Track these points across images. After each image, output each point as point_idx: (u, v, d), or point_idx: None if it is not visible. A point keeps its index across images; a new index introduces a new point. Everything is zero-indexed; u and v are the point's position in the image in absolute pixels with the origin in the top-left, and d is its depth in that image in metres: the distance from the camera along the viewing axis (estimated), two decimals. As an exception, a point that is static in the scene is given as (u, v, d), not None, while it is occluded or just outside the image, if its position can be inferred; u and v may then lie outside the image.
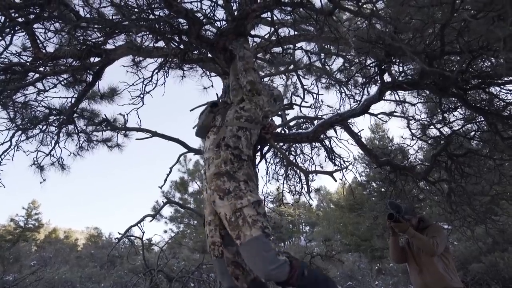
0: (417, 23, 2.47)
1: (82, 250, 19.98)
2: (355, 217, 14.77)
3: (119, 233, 5.00)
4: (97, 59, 3.07)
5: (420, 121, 4.35)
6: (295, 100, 5.06)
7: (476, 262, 8.42)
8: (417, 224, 2.82)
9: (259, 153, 3.30)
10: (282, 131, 4.49)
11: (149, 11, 2.52)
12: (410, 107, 4.38)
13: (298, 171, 4.90)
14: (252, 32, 3.55)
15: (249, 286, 1.74)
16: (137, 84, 3.94)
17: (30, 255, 15.32)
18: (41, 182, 4.03)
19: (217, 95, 3.44)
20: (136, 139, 4.28)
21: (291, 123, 4.89)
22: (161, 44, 3.01)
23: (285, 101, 4.68)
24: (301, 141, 4.00)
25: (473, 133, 4.05)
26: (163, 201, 6.30)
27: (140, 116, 4.01)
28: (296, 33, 4.10)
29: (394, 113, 4.44)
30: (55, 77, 3.27)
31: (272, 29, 3.70)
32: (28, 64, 2.85)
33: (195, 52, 3.34)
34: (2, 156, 3.58)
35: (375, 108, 4.13)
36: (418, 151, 5.02)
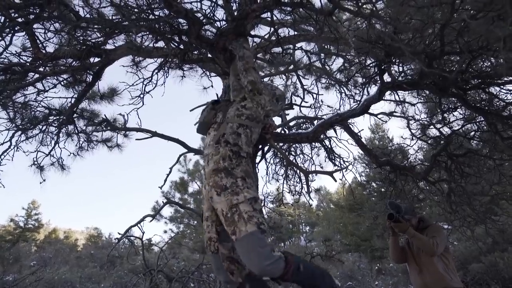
0: (417, 23, 2.47)
1: (82, 250, 19.97)
2: (355, 217, 14.77)
3: (119, 233, 5.01)
4: (97, 59, 3.07)
5: (420, 121, 4.36)
6: (295, 100, 5.07)
7: (476, 262, 8.42)
8: (417, 224, 2.82)
9: (260, 152, 3.30)
10: (282, 131, 4.49)
11: (149, 11, 2.52)
12: (410, 107, 4.39)
13: (298, 171, 4.90)
14: (252, 32, 3.55)
15: (244, 280, 1.75)
16: (137, 84, 3.94)
17: (30, 255, 15.31)
18: (41, 182, 4.03)
19: (217, 95, 3.44)
20: (136, 139, 4.29)
21: (291, 123, 4.89)
22: (161, 44, 3.02)
23: (286, 101, 4.67)
24: (301, 141, 4.00)
25: (473, 133, 4.05)
26: (163, 201, 6.31)
27: (140, 116, 4.02)
28: (296, 33, 4.10)
29: (394, 113, 4.44)
30: (55, 77, 3.27)
31: (272, 29, 3.70)
32: (28, 64, 2.85)
33: (195, 52, 3.34)
34: (2, 156, 3.58)
35: (375, 108, 4.14)
36: (418, 151, 5.02)
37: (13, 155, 3.67)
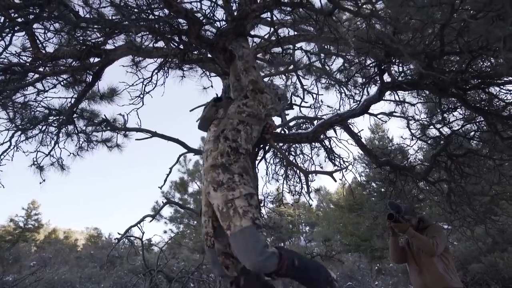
0: (417, 23, 2.47)
1: (81, 251, 19.96)
2: (355, 217, 14.76)
3: (119, 234, 5.01)
4: (96, 60, 3.07)
5: (420, 121, 4.36)
6: (295, 100, 5.07)
7: (476, 262, 8.42)
8: (417, 224, 2.82)
9: (262, 151, 3.29)
10: (282, 131, 4.49)
11: (148, 11, 2.52)
12: (409, 107, 4.40)
13: (298, 171, 4.90)
14: (252, 32, 3.55)
15: (239, 274, 1.75)
16: (136, 84, 3.94)
17: (29, 255, 15.31)
18: (40, 183, 4.03)
19: (216, 95, 3.42)
20: (136, 139, 4.29)
21: (291, 123, 4.89)
22: (160, 44, 3.02)
23: (288, 101, 4.67)
24: (301, 141, 4.00)
25: (472, 133, 4.05)
26: (163, 202, 6.30)
27: (139, 116, 4.02)
28: (295, 33, 4.10)
29: (394, 113, 4.44)
30: (55, 78, 3.27)
31: (272, 29, 3.70)
32: (28, 64, 2.85)
33: (195, 52, 3.34)
34: (2, 157, 3.58)
35: (375, 108, 4.14)
36: (418, 151, 5.03)
37: (13, 155, 3.67)
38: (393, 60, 3.17)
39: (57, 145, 3.95)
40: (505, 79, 2.95)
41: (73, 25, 2.64)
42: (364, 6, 2.76)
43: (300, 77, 5.17)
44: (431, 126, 4.29)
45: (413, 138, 4.41)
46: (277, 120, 4.64)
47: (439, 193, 4.35)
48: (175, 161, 4.74)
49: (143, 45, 3.07)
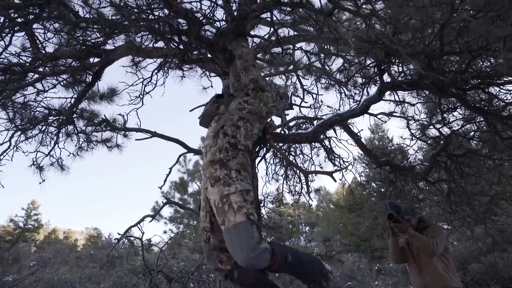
0: (417, 23, 2.47)
1: (81, 251, 19.95)
2: (355, 217, 14.76)
3: (119, 234, 5.00)
4: (96, 60, 3.07)
5: (420, 121, 4.36)
6: (295, 101, 5.07)
7: (476, 262, 8.42)
8: (417, 224, 2.82)
9: (262, 151, 3.29)
10: (282, 132, 4.49)
11: (148, 11, 2.52)
12: (409, 107, 4.40)
13: (297, 171, 4.90)
14: (252, 32, 3.54)
15: (233, 267, 1.76)
16: (136, 84, 3.93)
17: (29, 255, 15.30)
18: (40, 183, 4.03)
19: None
20: (136, 139, 4.29)
21: (291, 124, 4.89)
22: (160, 44, 3.02)
23: (289, 100, 4.67)
24: (300, 141, 4.00)
25: (472, 133, 4.05)
26: (162, 202, 6.30)
27: (139, 117, 4.01)
28: (295, 33, 4.10)
29: (394, 113, 4.44)
30: (55, 78, 3.27)
31: (272, 29, 3.70)
32: (28, 64, 2.85)
33: (195, 52, 3.34)
34: (1, 157, 3.58)
35: (375, 108, 4.14)
36: (418, 151, 5.03)
37: (12, 155, 3.67)
38: (393, 60, 3.17)
39: (57, 145, 3.95)
40: (505, 79, 2.95)
41: (73, 25, 2.64)
42: (364, 6, 2.76)
43: (300, 77, 5.17)
44: (431, 126, 4.30)
45: (413, 138, 4.42)
46: (277, 120, 4.64)
47: (439, 193, 4.35)
48: (175, 161, 4.75)
49: (143, 45, 3.07)
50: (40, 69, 2.94)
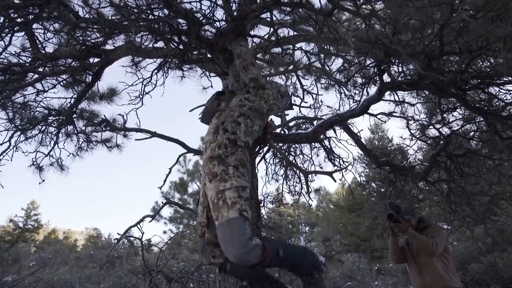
0: (416, 24, 2.47)
1: (81, 251, 19.93)
2: (355, 217, 14.76)
3: (119, 234, 5.00)
4: (96, 60, 3.07)
5: (420, 121, 4.36)
6: (295, 101, 5.08)
7: (476, 262, 8.42)
8: (417, 224, 2.82)
9: (264, 150, 3.28)
10: (282, 132, 4.49)
11: (148, 11, 2.52)
12: (409, 107, 4.40)
13: (297, 171, 4.90)
14: (252, 33, 3.55)
15: (225, 260, 1.77)
16: (136, 84, 3.94)
17: (29, 256, 15.29)
18: (40, 183, 4.03)
19: (216, 95, 3.43)
20: (136, 139, 4.28)
21: (291, 124, 4.90)
22: (160, 44, 3.02)
23: (289, 98, 4.66)
24: (300, 141, 4.01)
25: (472, 133, 4.05)
26: (162, 202, 6.31)
27: (139, 117, 4.02)
28: (295, 33, 4.11)
29: (394, 113, 4.44)
30: (55, 78, 3.27)
31: (272, 29, 3.70)
32: (27, 64, 2.85)
33: (195, 52, 3.34)
34: (1, 157, 3.57)
35: (375, 108, 4.15)
36: (418, 151, 5.03)
37: (12, 156, 3.67)
38: (393, 60, 3.17)
39: (56, 145, 3.95)
40: (505, 79, 2.96)
41: (72, 25, 2.64)
42: (364, 6, 2.76)
43: (300, 77, 5.17)
44: (431, 126, 4.30)
45: (413, 138, 4.42)
46: (277, 120, 4.65)
47: (438, 193, 4.35)
48: (174, 161, 4.74)
49: (143, 45, 3.07)
50: (40, 69, 2.94)
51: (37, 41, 2.74)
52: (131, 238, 5.87)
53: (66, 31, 2.77)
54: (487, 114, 3.26)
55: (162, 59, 3.58)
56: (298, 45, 4.59)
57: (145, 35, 2.93)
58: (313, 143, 4.68)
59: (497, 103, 3.36)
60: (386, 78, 3.35)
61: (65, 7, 2.61)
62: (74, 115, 3.87)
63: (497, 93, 3.31)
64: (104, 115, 4.01)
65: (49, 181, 4.81)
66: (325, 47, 4.60)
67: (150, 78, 3.89)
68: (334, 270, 10.26)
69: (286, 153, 4.76)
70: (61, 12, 2.61)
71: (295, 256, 1.71)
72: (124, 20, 2.51)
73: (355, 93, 4.61)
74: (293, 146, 4.94)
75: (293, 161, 4.83)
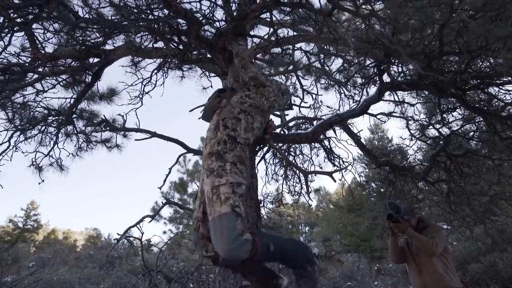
0: (416, 24, 2.47)
1: (81, 251, 19.92)
2: (355, 217, 14.77)
3: (118, 234, 4.99)
4: (96, 60, 3.07)
5: (419, 121, 4.37)
6: (295, 101, 5.08)
7: (475, 262, 8.43)
8: (416, 225, 2.82)
9: (264, 150, 3.28)
10: (282, 132, 4.49)
11: (148, 11, 2.52)
12: (409, 108, 4.41)
13: (297, 171, 4.90)
14: (251, 33, 3.55)
15: (217, 253, 1.76)
16: (136, 84, 3.93)
17: (28, 256, 15.28)
18: (39, 183, 4.03)
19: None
20: (135, 139, 4.28)
21: (291, 124, 4.90)
22: (160, 44, 3.02)
23: (290, 96, 4.65)
24: (300, 141, 4.01)
25: (472, 133, 4.06)
26: (162, 202, 6.30)
27: (139, 117, 4.02)
28: (295, 33, 4.11)
29: (393, 114, 4.45)
30: (54, 78, 3.27)
31: (271, 29, 3.70)
32: (27, 64, 2.84)
33: (194, 52, 3.34)
34: (1, 157, 3.57)
35: (374, 108, 4.16)
36: (417, 151, 5.03)
37: (11, 156, 3.66)
38: (393, 61, 3.17)
39: (56, 145, 3.95)
40: (504, 79, 2.96)
41: (72, 25, 2.64)
42: (363, 6, 2.76)
43: (300, 78, 5.17)
44: (431, 126, 4.30)
45: (413, 138, 4.42)
46: (276, 120, 4.65)
47: (438, 193, 4.36)
48: (174, 161, 4.74)
49: (143, 45, 3.07)
50: (40, 69, 2.94)
51: (37, 41, 2.74)
52: (131, 238, 5.86)
53: (65, 31, 2.77)
54: (487, 114, 3.26)
55: (162, 59, 3.58)
56: (298, 45, 4.59)
57: (145, 35, 2.92)
58: (313, 143, 4.69)
59: (496, 103, 3.36)
60: (386, 78, 3.35)
61: (64, 7, 2.61)
62: (74, 115, 3.87)
63: (496, 93, 3.32)
64: (103, 115, 4.01)
65: (49, 181, 4.81)
66: (325, 47, 4.60)
67: (149, 78, 3.89)
68: (334, 270, 10.25)
69: (286, 153, 4.76)
70: (60, 12, 2.61)
71: (287, 250, 1.71)
72: (124, 20, 2.51)
73: (355, 93, 4.61)
74: (293, 146, 4.94)
75: (293, 161, 4.84)
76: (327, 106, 5.24)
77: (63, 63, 2.96)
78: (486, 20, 1.89)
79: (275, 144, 3.24)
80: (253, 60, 2.47)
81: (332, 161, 4.52)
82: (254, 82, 2.16)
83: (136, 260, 9.23)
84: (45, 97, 3.53)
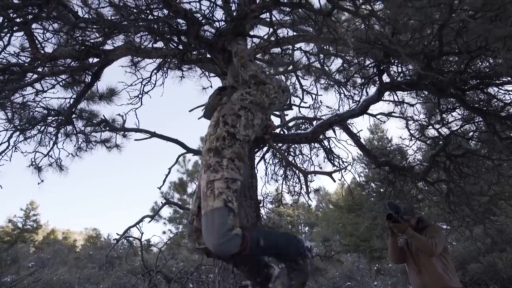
0: (416, 24, 2.48)
1: (80, 251, 19.90)
2: (354, 217, 14.78)
3: (118, 234, 5.00)
4: (95, 60, 3.06)
5: (419, 121, 4.37)
6: (294, 101, 5.07)
7: (475, 262, 8.43)
8: (416, 225, 2.82)
9: (263, 150, 3.28)
10: (281, 132, 4.49)
11: (147, 11, 2.52)
12: (408, 108, 4.41)
13: (297, 171, 4.90)
14: (251, 33, 3.55)
15: None
16: (135, 84, 3.93)
17: (28, 256, 15.26)
18: (39, 183, 4.02)
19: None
20: (135, 139, 4.28)
21: (290, 124, 4.90)
22: (160, 44, 3.02)
23: (290, 94, 4.64)
24: (300, 141, 4.00)
25: (471, 133, 4.06)
26: (162, 202, 6.31)
27: (138, 117, 4.02)
28: (295, 33, 4.11)
29: (393, 114, 4.45)
30: (54, 78, 3.27)
31: (271, 29, 3.70)
32: (27, 64, 2.84)
33: (194, 52, 3.34)
34: (0, 157, 3.57)
35: (374, 108, 4.15)
36: (417, 151, 5.03)
37: (11, 156, 3.66)
38: (392, 61, 3.17)
39: (55, 145, 3.94)
40: (504, 79, 2.96)
41: (72, 25, 2.64)
42: (363, 6, 2.76)
43: (300, 78, 5.17)
44: (430, 127, 4.30)
45: (412, 138, 4.42)
46: (276, 121, 4.65)
47: (438, 193, 4.36)
48: (174, 161, 4.74)
49: (142, 45, 3.07)
50: (39, 69, 2.93)
51: (36, 41, 2.74)
52: (131, 239, 5.87)
53: (65, 31, 2.77)
54: (486, 114, 3.27)
55: (161, 59, 3.58)
56: (297, 45, 4.59)
57: (144, 35, 2.92)
58: (312, 143, 4.69)
59: (496, 103, 3.36)
60: (385, 78, 3.35)
61: (64, 7, 2.61)
62: (73, 115, 3.86)
63: (496, 93, 3.32)
64: (103, 115, 4.00)
65: (48, 182, 4.81)
66: (325, 47, 4.60)
67: (149, 78, 3.89)
68: (334, 270, 10.25)
69: (286, 153, 4.76)
70: (60, 12, 2.61)
71: (278, 244, 1.71)
72: (124, 20, 2.51)
73: (354, 93, 4.61)
74: (293, 146, 4.94)
75: (293, 161, 4.84)
76: (327, 106, 5.24)
77: (62, 63, 2.96)
78: (485, 20, 1.90)
79: (274, 144, 3.24)
80: (252, 59, 2.46)
81: (332, 161, 4.52)
82: (254, 80, 2.17)
83: (136, 260, 9.23)
84: (45, 97, 3.53)
